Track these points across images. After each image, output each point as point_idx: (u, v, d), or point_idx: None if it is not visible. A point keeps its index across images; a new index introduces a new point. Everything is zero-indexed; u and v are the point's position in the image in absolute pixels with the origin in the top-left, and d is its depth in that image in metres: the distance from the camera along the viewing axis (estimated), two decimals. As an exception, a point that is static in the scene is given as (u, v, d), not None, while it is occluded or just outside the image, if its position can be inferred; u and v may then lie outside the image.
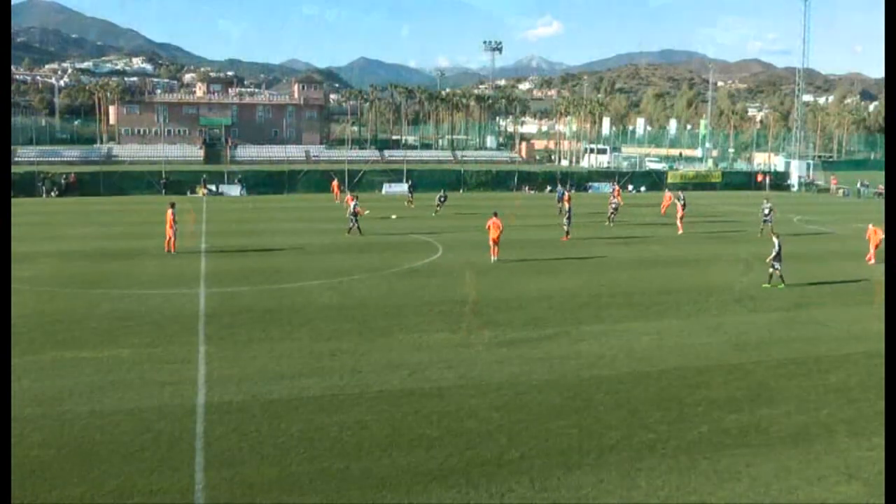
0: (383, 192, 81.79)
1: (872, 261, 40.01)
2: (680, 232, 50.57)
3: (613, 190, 69.18)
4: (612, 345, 23.43)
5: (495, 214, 37.62)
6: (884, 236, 39.28)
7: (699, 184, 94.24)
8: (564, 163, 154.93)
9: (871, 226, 41.77)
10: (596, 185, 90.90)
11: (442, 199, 62.66)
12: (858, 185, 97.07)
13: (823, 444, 16.43)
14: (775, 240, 33.04)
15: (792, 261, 40.38)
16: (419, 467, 14.54)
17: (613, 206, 55.91)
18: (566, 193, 61.25)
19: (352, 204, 47.87)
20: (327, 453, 15.13)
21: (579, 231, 49.24)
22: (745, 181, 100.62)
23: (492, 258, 37.15)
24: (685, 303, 29.93)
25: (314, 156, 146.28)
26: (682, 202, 54.30)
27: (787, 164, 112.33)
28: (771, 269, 32.78)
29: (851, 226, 57.36)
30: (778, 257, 32.49)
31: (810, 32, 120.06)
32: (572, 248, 43.17)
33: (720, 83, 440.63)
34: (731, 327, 26.25)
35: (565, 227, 46.66)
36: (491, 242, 37.54)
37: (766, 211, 51.41)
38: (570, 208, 48.39)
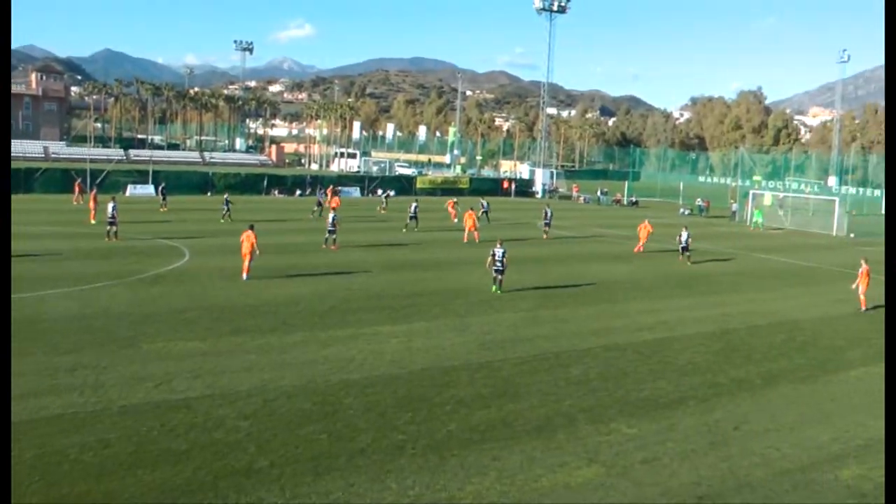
0: (128, 193, 77.76)
1: (641, 250, 50.21)
2: (475, 241, 49.97)
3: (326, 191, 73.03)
4: (361, 348, 23.63)
5: (251, 227, 35.05)
6: (652, 230, 50.36)
7: (447, 189, 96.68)
8: (314, 167, 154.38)
9: (646, 221, 52.27)
10: (346, 189, 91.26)
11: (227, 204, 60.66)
12: (598, 192, 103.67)
13: (566, 432, 17.39)
14: (498, 247, 33.82)
15: (535, 263, 42.59)
16: (166, 484, 13.95)
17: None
18: (331, 197, 62.12)
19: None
20: (66, 478, 14.04)
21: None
22: (493, 187, 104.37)
23: (244, 274, 34.28)
24: (433, 305, 30.68)
25: (53, 153, 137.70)
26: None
27: (532, 172, 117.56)
28: (494, 274, 33.63)
29: (592, 230, 61.07)
30: (499, 262, 33.24)
31: (555, 50, 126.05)
32: (323, 252, 43.14)
33: (469, 93, 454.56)
34: (477, 327, 27.19)
35: (333, 236, 45.39)
36: (242, 257, 34.67)
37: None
38: (334, 216, 46.16)
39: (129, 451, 15.31)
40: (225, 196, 61.39)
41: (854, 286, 34.81)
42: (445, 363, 22.51)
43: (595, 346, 25.52)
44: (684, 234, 47.45)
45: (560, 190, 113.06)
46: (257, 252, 34.50)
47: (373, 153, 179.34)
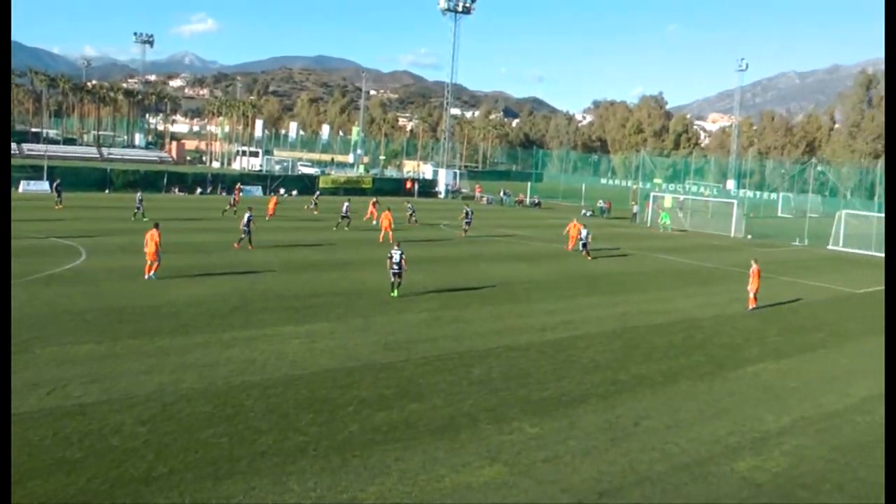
0: (21, 190, 75.22)
1: (570, 249, 52.51)
2: (389, 241, 49.63)
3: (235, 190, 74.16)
4: (262, 349, 23.34)
5: (156, 226, 34.46)
6: (582, 230, 51.72)
7: (350, 189, 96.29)
8: (216, 165, 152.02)
9: (574, 220, 54.99)
10: (248, 188, 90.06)
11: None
12: (501, 193, 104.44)
13: (468, 432, 17.45)
14: (396, 249, 33.68)
15: (438, 263, 42.71)
16: (58, 494, 13.45)
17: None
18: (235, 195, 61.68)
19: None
20: (-54, 489, 13.54)
21: (231, 235, 48.69)
22: (396, 187, 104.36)
23: (146, 274, 33.67)
24: (336, 305, 30.50)
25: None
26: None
27: (436, 173, 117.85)
28: (392, 278, 33.27)
29: (495, 231, 61.52)
30: (397, 265, 33.01)
31: (459, 50, 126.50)
32: (226, 252, 42.49)
33: (373, 92, 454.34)
34: (380, 328, 27.12)
35: (242, 236, 44.93)
36: (146, 256, 33.93)
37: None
38: (250, 216, 45.24)
39: (21, 461, 14.62)
40: (138, 195, 60.15)
41: (747, 286, 35.89)
42: (348, 364, 22.39)
43: (498, 346, 25.70)
44: (584, 232, 50.82)
45: (463, 190, 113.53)
46: (162, 251, 34.10)
47: (276, 152, 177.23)
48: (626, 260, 50.85)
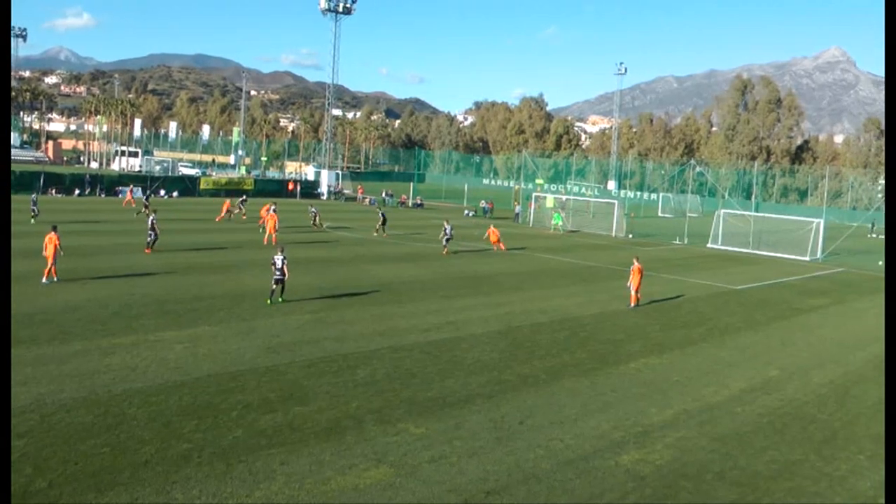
0: None
1: (504, 248, 55.95)
2: (272, 244, 49.73)
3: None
4: (144, 356, 22.82)
5: (54, 229, 34.34)
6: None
7: (232, 191, 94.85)
8: (94, 165, 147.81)
9: (492, 226, 58.54)
10: (125, 189, 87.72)
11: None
12: (383, 194, 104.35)
13: (354, 434, 17.43)
14: (279, 254, 32.96)
15: (320, 265, 42.56)
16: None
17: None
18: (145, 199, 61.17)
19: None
20: None
21: (117, 238, 47.50)
22: (278, 189, 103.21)
23: (44, 278, 33.17)
24: (218, 308, 30.05)
25: None
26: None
27: (318, 174, 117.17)
28: (273, 285, 32.47)
29: (376, 232, 61.60)
30: (279, 271, 32.17)
31: (340, 51, 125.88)
32: (105, 256, 41.34)
33: (254, 92, 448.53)
34: (264, 330, 26.84)
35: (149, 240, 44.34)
36: (46, 259, 33.59)
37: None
38: (153, 220, 44.80)
39: None
40: (32, 196, 58.28)
41: (627, 284, 36.81)
42: (231, 368, 22.09)
43: (382, 347, 25.72)
44: (448, 227, 53.52)
45: (345, 192, 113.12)
46: (61, 253, 33.89)
47: (155, 152, 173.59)
48: (510, 259, 51.49)
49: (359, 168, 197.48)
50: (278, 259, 32.36)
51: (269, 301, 31.86)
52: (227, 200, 67.54)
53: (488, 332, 29.08)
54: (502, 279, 42.76)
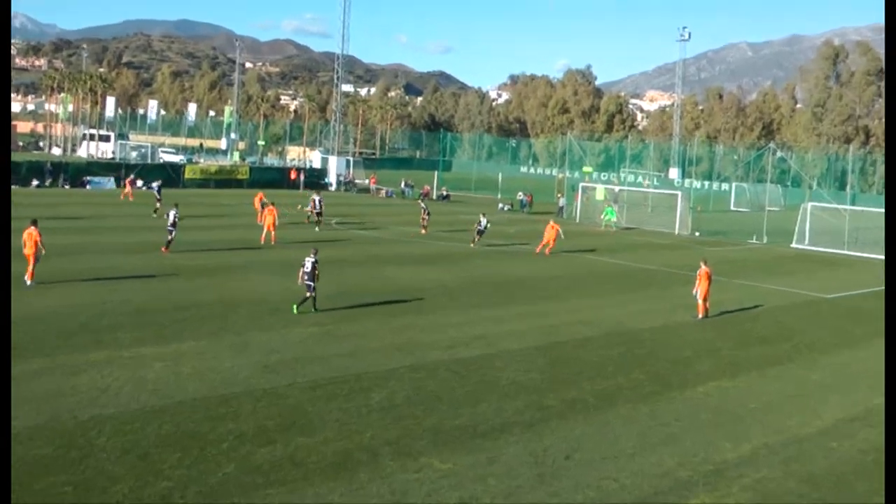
0: None
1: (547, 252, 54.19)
2: (271, 242, 51.06)
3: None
4: (117, 376, 22.82)
5: (34, 223, 35.28)
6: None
7: (223, 181, 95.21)
8: (56, 151, 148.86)
9: (552, 221, 57.61)
10: (97, 179, 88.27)
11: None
12: (403, 185, 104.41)
13: (368, 471, 17.29)
14: (312, 256, 33.10)
15: (330, 267, 42.50)
16: None
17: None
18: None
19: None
20: None
21: (86, 236, 47.71)
22: (278, 178, 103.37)
23: (29, 280, 34.21)
24: (207, 319, 30.13)
25: None
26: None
27: (325, 161, 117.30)
28: (307, 293, 32.72)
29: (397, 229, 61.52)
30: (308, 275, 32.46)
31: (351, 16, 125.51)
32: (71, 257, 41.47)
33: (249, 64, 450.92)
34: (261, 346, 26.81)
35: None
36: (26, 258, 34.73)
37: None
38: (175, 215, 46.30)
39: None
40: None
41: (694, 291, 36.45)
42: (221, 390, 22.06)
43: (401, 365, 25.60)
44: (483, 220, 55.75)
45: (357, 181, 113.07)
46: (42, 251, 34.80)
47: (132, 135, 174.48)
48: (550, 261, 51.30)
49: (373, 154, 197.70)
50: (308, 261, 32.30)
51: (307, 309, 32.00)
52: (264, 201, 62.74)
53: (526, 348, 28.92)
54: (542, 285, 42.60)
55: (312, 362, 25.27)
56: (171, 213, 45.64)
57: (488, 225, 55.76)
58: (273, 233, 50.82)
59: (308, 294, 32.34)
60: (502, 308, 36.09)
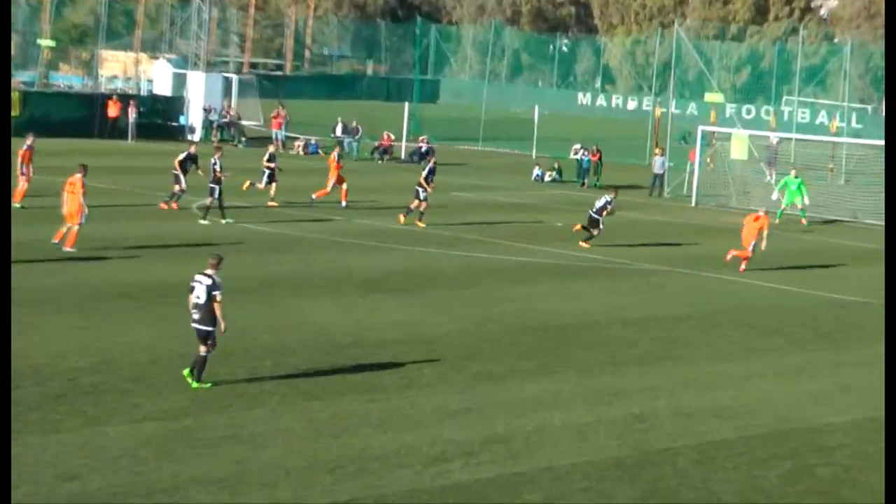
0: None
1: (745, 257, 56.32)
2: None
3: None
4: None
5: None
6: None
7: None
8: None
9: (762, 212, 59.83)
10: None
11: None
12: (338, 129, 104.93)
13: None
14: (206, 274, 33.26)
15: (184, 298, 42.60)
16: None
17: None
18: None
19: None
20: None
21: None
22: (84, 113, 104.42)
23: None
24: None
25: None
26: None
27: (180, 81, 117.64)
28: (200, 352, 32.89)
29: (343, 218, 61.65)
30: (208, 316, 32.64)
31: None
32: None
33: None
34: (39, 463, 26.45)
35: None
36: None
37: None
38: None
39: None
40: None
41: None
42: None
43: None
44: (601, 201, 58.68)
45: (246, 122, 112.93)
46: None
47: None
48: (641, 286, 51.31)
49: (281, 69, 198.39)
50: (200, 285, 32.13)
51: (192, 380, 31.73)
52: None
53: (592, 463, 28.14)
54: (622, 334, 42.24)
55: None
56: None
57: (611, 208, 56.67)
58: (74, 228, 50.38)
59: (203, 350, 31.97)
60: (543, 380, 35.79)
